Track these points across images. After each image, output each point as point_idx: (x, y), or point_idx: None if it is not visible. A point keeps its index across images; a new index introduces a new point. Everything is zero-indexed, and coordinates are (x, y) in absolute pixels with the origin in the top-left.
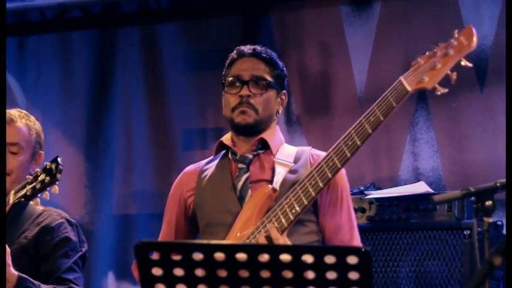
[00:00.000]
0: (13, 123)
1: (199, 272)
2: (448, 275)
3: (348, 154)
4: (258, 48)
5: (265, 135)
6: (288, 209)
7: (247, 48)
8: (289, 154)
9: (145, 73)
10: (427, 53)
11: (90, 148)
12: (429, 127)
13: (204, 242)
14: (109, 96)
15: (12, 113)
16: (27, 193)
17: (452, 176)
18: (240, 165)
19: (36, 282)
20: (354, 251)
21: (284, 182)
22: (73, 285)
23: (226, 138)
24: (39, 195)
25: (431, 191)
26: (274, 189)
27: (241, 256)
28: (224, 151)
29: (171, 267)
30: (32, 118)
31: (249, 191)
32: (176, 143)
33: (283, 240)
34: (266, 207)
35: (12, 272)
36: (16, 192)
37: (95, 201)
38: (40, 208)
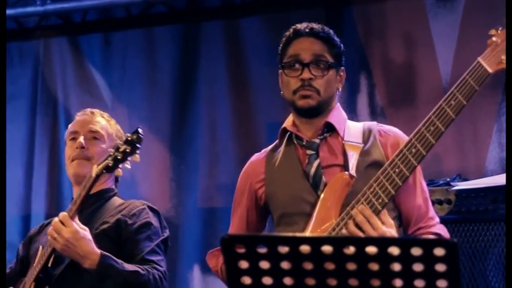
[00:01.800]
0: (93, 115)
1: (285, 265)
2: None
3: (433, 140)
4: (315, 26)
5: (330, 117)
6: (373, 199)
7: (304, 27)
8: (356, 134)
9: (229, 67)
10: (499, 29)
11: (175, 142)
12: None
13: (290, 234)
14: (193, 91)
15: (89, 109)
16: (109, 164)
17: None
18: (309, 152)
19: (119, 261)
20: (441, 243)
21: (358, 166)
22: (157, 266)
23: (289, 124)
24: (120, 165)
25: None
26: (351, 176)
27: (326, 249)
28: (287, 136)
29: (257, 260)
30: (113, 121)
31: (323, 178)
32: (260, 136)
33: (374, 219)
34: (344, 194)
35: (94, 249)
36: (98, 165)
37: (180, 194)
38: (124, 200)
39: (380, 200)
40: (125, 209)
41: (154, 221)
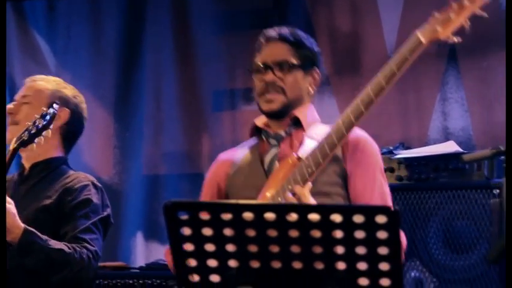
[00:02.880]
0: (30, 81)
1: (228, 232)
2: (477, 234)
3: (363, 109)
4: (284, 30)
5: (297, 111)
6: (305, 169)
7: (273, 32)
8: (321, 132)
9: (175, 34)
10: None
11: (119, 109)
12: (459, 86)
13: (233, 201)
14: (139, 58)
15: (39, 76)
16: (24, 138)
17: (482, 135)
18: (272, 141)
19: (44, 237)
20: (382, 210)
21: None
22: (87, 245)
23: (260, 121)
24: (35, 140)
25: (461, 150)
26: (298, 158)
27: (269, 216)
28: (257, 137)
29: (200, 227)
30: (59, 81)
31: (276, 164)
32: (206, 103)
33: (306, 192)
34: (289, 174)
35: (18, 223)
36: (17, 139)
37: (124, 161)
38: (71, 172)
39: (309, 170)
40: (68, 184)
41: (95, 198)
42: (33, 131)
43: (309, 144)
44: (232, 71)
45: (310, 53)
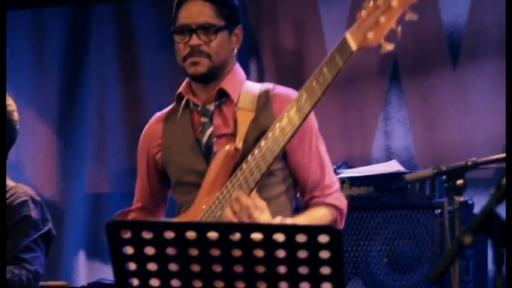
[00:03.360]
0: None
1: (171, 251)
2: (419, 254)
3: (297, 122)
4: None
5: (224, 83)
6: (249, 175)
7: None
8: (251, 99)
9: (118, 51)
10: (371, 2)
11: (62, 126)
12: (402, 106)
13: (175, 220)
14: (82, 74)
15: None
16: None
17: (424, 154)
18: (203, 119)
19: None
20: (325, 229)
21: (247, 136)
22: (27, 265)
23: (184, 88)
24: None
25: (403, 169)
26: (236, 149)
27: (212, 235)
28: (185, 100)
29: (142, 246)
30: None
31: (214, 147)
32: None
33: (251, 201)
34: (231, 167)
35: None
36: None
37: (67, 179)
38: (11, 184)
39: (253, 177)
40: (7, 200)
41: (34, 213)
42: None
43: (242, 120)
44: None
45: (233, 10)
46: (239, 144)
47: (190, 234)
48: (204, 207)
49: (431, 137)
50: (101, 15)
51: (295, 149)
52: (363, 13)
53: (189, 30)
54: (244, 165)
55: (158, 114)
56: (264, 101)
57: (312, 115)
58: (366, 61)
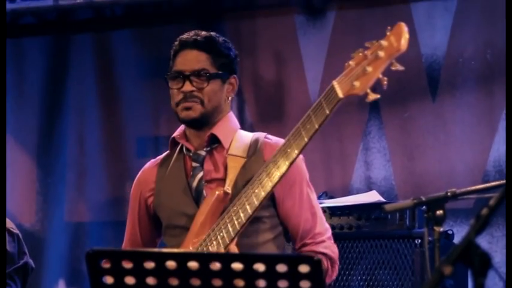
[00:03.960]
0: None
1: (151, 281)
2: (399, 284)
3: (284, 166)
4: (200, 36)
5: (215, 129)
6: (234, 217)
7: (188, 38)
8: (243, 146)
9: (98, 80)
10: (360, 53)
11: (42, 155)
12: (381, 136)
13: (155, 250)
14: (62, 103)
15: None
16: None
17: (404, 185)
18: (194, 164)
19: None
20: (305, 259)
21: (237, 181)
22: None
23: (179, 134)
24: None
25: (383, 200)
26: (225, 193)
27: (192, 264)
28: (180, 146)
29: (123, 276)
30: None
31: (204, 192)
32: (130, 150)
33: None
34: (219, 210)
35: None
36: None
37: (47, 208)
38: None
39: (239, 220)
40: None
41: (10, 247)
42: None
43: (232, 166)
44: (157, 117)
45: (228, 60)
46: (228, 188)
47: (171, 264)
48: (191, 248)
49: (411, 167)
50: (81, 44)
51: (285, 197)
52: (351, 62)
53: (182, 76)
54: (231, 209)
55: (153, 160)
56: (255, 148)
57: (303, 163)
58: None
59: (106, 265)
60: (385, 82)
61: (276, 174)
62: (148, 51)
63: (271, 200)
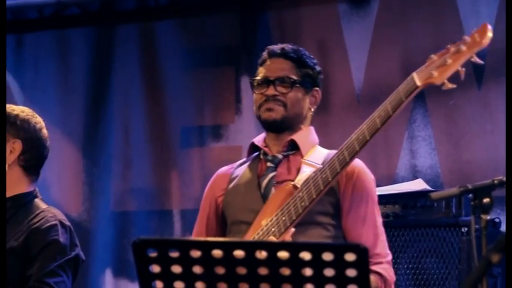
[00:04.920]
0: None
1: (197, 269)
2: (446, 272)
3: (357, 148)
4: (287, 47)
5: (295, 136)
6: (298, 202)
7: (276, 48)
8: (319, 157)
9: (143, 70)
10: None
11: (88, 145)
12: (427, 124)
13: (202, 239)
14: (107, 94)
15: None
16: None
17: (449, 173)
18: (269, 164)
19: None
20: (351, 248)
21: (307, 180)
22: None
23: (259, 140)
24: None
25: (429, 188)
26: (295, 186)
27: (238, 253)
28: (257, 153)
29: (169, 264)
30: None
31: (273, 190)
32: (174, 140)
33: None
34: (285, 203)
35: None
36: None
37: (93, 198)
38: (42, 206)
39: (303, 204)
40: (35, 224)
41: (63, 238)
42: None
43: (306, 170)
44: (201, 107)
45: (312, 71)
46: (298, 183)
47: (217, 253)
48: (263, 222)
49: (457, 155)
50: (125, 35)
51: (351, 210)
52: (433, 56)
53: (267, 82)
54: (296, 195)
55: (225, 166)
56: (329, 158)
57: (374, 184)
58: (390, 79)
59: (152, 254)
60: (463, 73)
61: (347, 156)
62: (192, 41)
63: (337, 209)
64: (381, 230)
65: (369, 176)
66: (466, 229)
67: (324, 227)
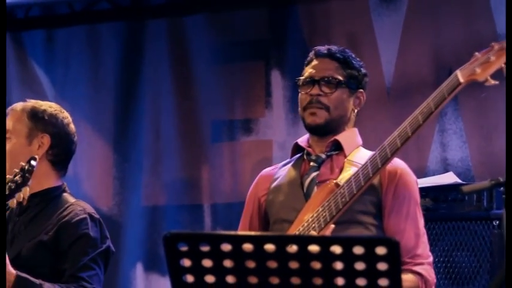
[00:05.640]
0: (11, 111)
1: (228, 263)
2: (477, 266)
3: (399, 144)
4: (333, 48)
5: (339, 136)
6: (339, 198)
7: (323, 49)
8: (362, 157)
9: (173, 65)
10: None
11: (118, 140)
12: (457, 117)
13: (232, 232)
14: (137, 88)
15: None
16: (7, 192)
17: (481, 166)
18: (312, 164)
19: (38, 281)
20: (382, 241)
21: (350, 179)
22: (85, 283)
23: (302, 140)
24: (15, 195)
25: (460, 181)
26: (337, 184)
27: (269, 247)
28: (300, 154)
29: (200, 258)
30: (33, 105)
31: (315, 189)
32: (204, 134)
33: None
34: (326, 201)
35: (10, 270)
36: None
37: (124, 192)
38: (71, 200)
39: (343, 199)
40: (65, 218)
41: (93, 232)
42: (12, 187)
43: (348, 170)
44: (231, 101)
45: (358, 73)
46: (340, 181)
47: (247, 247)
48: (305, 217)
49: (488, 148)
50: (156, 30)
51: (393, 210)
52: (477, 54)
53: (312, 81)
54: (337, 191)
55: (269, 167)
56: None
57: (416, 186)
58: (420, 72)
59: (183, 248)
60: (505, 71)
61: (388, 153)
62: (222, 35)
63: (379, 209)
64: (423, 231)
65: (412, 177)
66: (497, 222)
67: (365, 227)
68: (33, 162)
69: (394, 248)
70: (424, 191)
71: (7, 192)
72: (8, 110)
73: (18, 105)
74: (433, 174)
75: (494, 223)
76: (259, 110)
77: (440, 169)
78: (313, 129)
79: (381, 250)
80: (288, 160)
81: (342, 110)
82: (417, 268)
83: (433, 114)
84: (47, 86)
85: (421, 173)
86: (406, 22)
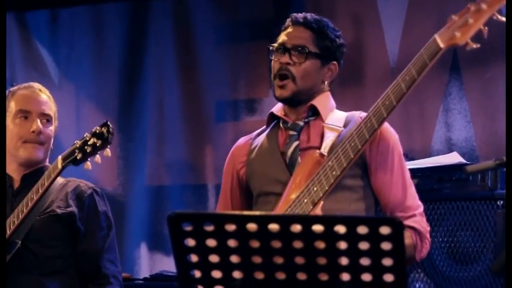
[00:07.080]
0: (41, 94)
1: (232, 243)
2: (481, 246)
3: (384, 114)
4: (309, 16)
5: (314, 101)
6: (329, 172)
7: (299, 16)
8: (339, 119)
9: (177, 45)
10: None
11: (122, 120)
12: (462, 97)
13: (237, 212)
14: (141, 68)
15: (34, 84)
16: (78, 157)
17: (485, 146)
18: (291, 132)
19: None
20: (386, 221)
21: (332, 146)
22: (111, 279)
23: (277, 109)
24: (89, 159)
25: (464, 161)
26: (322, 155)
27: (273, 227)
28: (275, 122)
29: (204, 238)
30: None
31: (298, 159)
32: (208, 114)
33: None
34: (314, 172)
35: None
36: (64, 158)
37: (128, 172)
38: (63, 178)
39: (334, 173)
40: (71, 192)
41: (103, 208)
42: (88, 150)
43: (330, 135)
44: (235, 81)
45: (333, 45)
46: (324, 151)
47: (251, 226)
48: (292, 196)
49: (493, 128)
50: (160, 9)
51: (378, 167)
52: (454, 16)
53: (284, 49)
54: (326, 164)
55: (244, 137)
56: (351, 120)
57: (398, 139)
58: None
59: (187, 228)
60: (486, 32)
61: (375, 123)
62: (226, 16)
63: (364, 169)
64: (410, 182)
65: (393, 133)
66: (501, 202)
67: (352, 190)
68: (110, 125)
69: (397, 227)
70: (428, 171)
71: (80, 157)
72: (38, 90)
73: (45, 91)
74: (437, 154)
75: (498, 203)
76: (263, 90)
77: (445, 149)
78: (282, 101)
79: (384, 230)
80: (262, 128)
81: (310, 81)
82: (409, 222)
83: (416, 82)
84: (51, 65)
85: (425, 153)
86: (410, 1)
